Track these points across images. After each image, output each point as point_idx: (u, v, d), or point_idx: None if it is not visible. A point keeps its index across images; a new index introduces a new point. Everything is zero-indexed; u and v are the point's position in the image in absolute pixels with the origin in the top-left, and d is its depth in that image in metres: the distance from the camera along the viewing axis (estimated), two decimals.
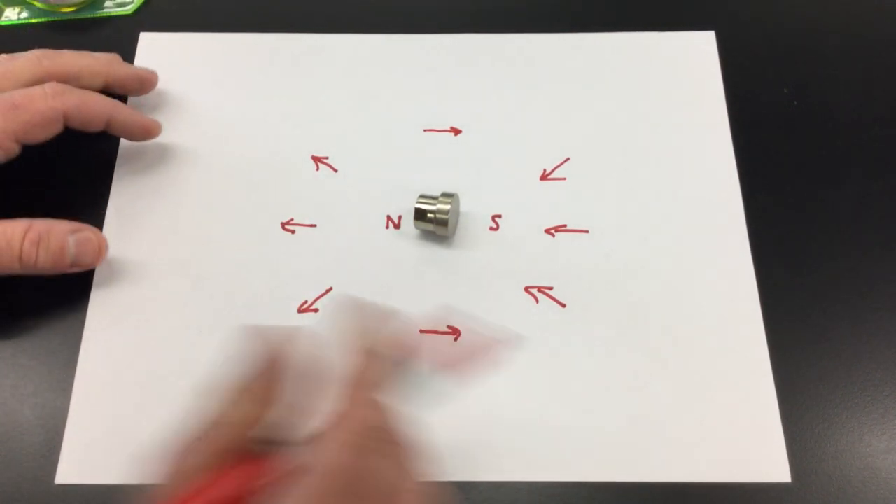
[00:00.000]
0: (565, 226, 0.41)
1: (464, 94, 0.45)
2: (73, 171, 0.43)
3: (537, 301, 0.39)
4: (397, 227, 0.41)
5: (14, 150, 0.37)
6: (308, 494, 0.23)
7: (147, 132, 0.42)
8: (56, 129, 0.38)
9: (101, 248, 0.38)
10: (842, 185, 0.42)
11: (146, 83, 0.44)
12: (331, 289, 0.39)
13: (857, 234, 0.41)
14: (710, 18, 0.47)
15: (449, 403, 0.36)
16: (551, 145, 0.43)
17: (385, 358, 0.28)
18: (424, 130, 0.44)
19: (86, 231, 0.38)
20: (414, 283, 0.39)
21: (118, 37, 0.47)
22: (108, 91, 0.42)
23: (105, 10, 0.48)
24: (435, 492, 0.26)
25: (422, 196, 0.39)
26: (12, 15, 0.48)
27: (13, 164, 0.38)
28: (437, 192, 0.40)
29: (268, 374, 0.27)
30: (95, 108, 0.39)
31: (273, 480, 0.25)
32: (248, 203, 0.42)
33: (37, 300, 0.39)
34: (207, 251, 0.40)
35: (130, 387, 0.37)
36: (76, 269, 0.38)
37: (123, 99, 0.43)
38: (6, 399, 0.37)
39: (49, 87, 0.38)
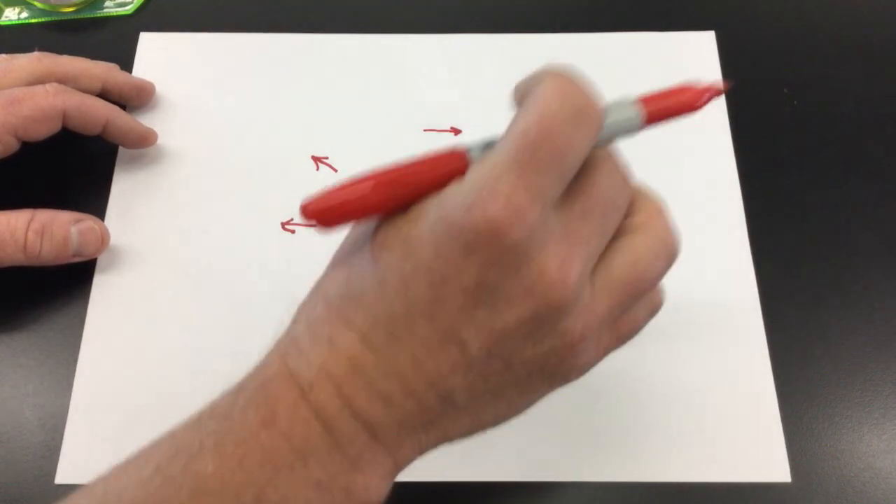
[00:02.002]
0: None
1: (464, 94, 0.45)
2: (72, 173, 0.43)
3: None
4: None
5: (12, 145, 0.38)
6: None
7: (142, 140, 0.42)
8: (55, 126, 0.39)
9: (104, 238, 0.39)
10: (842, 185, 0.42)
11: (143, 93, 0.44)
12: None
13: (857, 234, 0.41)
14: (710, 18, 0.47)
15: None
16: None
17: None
18: (424, 130, 0.44)
19: (88, 221, 0.38)
20: None
21: (118, 37, 0.47)
22: (105, 97, 0.42)
23: (105, 10, 0.48)
24: None
25: None
26: (12, 15, 0.48)
27: (14, 162, 0.38)
28: None
29: None
30: (95, 110, 0.40)
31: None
32: (248, 203, 0.42)
33: (37, 300, 0.39)
34: (208, 251, 0.40)
35: (131, 387, 0.37)
36: (78, 259, 0.38)
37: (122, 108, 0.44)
38: (6, 399, 0.37)
39: (51, 87, 0.39)
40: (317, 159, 0.43)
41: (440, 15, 0.48)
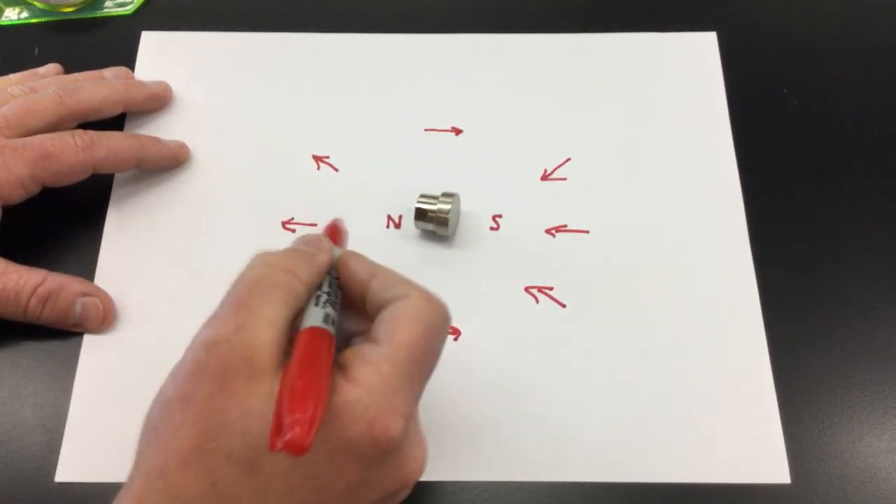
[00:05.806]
0: (566, 226, 0.41)
1: (464, 94, 0.45)
2: None
3: (537, 301, 0.39)
4: (398, 226, 0.41)
5: (36, 191, 0.38)
6: (391, 359, 0.25)
7: (175, 161, 0.42)
8: (83, 177, 0.39)
9: (107, 316, 0.38)
10: (842, 185, 0.42)
11: (162, 100, 0.44)
12: None
13: (857, 234, 0.41)
14: (712, 19, 0.47)
15: (449, 403, 0.36)
16: (552, 145, 0.43)
17: None
18: (425, 130, 0.44)
19: (94, 297, 0.38)
20: None
21: (118, 37, 0.47)
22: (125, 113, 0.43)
23: (105, 10, 0.48)
24: None
25: (422, 196, 0.39)
26: (12, 15, 0.48)
27: None
28: (437, 192, 0.40)
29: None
30: (122, 155, 0.40)
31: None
32: (249, 202, 0.42)
33: None
34: (208, 250, 0.40)
35: (130, 386, 0.37)
36: (77, 329, 0.38)
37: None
38: (6, 399, 0.37)
39: (80, 139, 0.38)
40: (317, 158, 0.43)
41: (440, 15, 0.48)
